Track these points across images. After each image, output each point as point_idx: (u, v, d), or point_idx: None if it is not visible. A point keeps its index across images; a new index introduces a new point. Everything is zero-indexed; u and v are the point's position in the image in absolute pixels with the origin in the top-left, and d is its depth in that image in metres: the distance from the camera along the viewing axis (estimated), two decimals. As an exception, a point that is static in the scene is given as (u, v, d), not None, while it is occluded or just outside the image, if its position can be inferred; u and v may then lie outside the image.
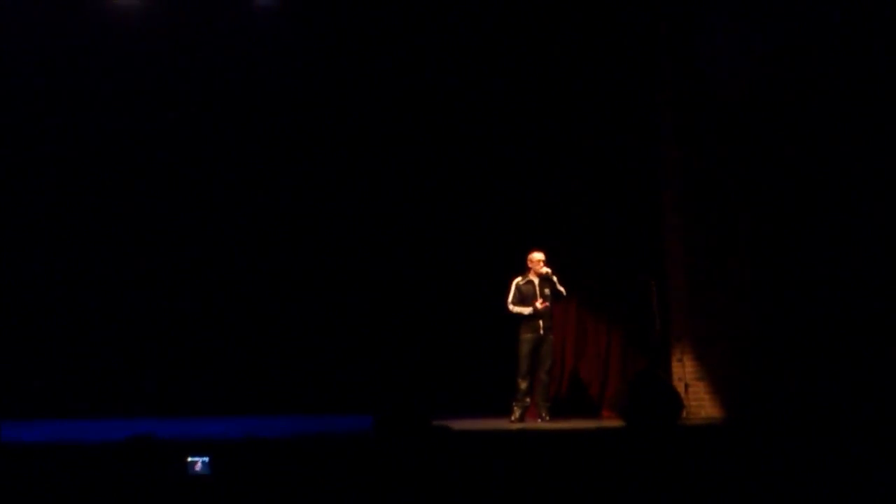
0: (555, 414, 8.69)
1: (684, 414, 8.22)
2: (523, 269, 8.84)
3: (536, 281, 8.74)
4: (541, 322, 8.65)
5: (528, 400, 8.70)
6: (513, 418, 8.60)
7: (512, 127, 9.92)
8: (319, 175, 10.44)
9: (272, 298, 10.31)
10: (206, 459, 5.33)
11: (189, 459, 5.34)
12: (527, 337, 8.68)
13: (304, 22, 9.98)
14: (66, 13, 9.69)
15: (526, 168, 9.88)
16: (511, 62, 9.81)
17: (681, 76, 8.95)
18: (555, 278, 8.72)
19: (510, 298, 8.77)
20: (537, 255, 8.81)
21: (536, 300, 8.64)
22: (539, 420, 8.56)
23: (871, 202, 7.99)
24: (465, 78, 10.00)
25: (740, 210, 8.68)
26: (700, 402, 8.64)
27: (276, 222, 10.40)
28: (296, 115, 10.36)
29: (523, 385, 8.67)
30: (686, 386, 8.60)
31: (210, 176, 10.43)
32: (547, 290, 8.69)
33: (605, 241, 9.37)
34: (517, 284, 8.81)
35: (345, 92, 10.28)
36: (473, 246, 10.10)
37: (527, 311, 8.66)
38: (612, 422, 8.35)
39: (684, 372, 8.68)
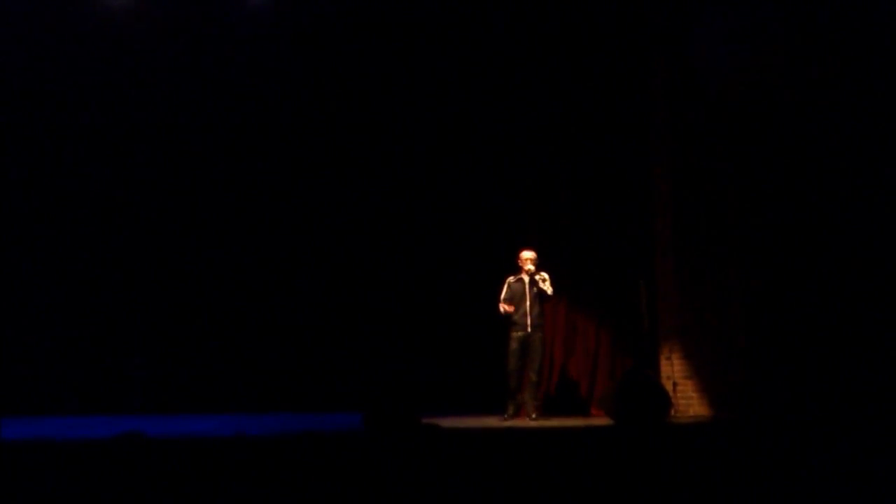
0: (544, 412, 8.70)
1: (672, 412, 8.26)
2: (514, 268, 8.85)
3: (526, 279, 8.75)
4: (528, 320, 8.66)
5: (519, 397, 8.73)
6: (506, 415, 8.64)
7: (502, 125, 9.93)
8: (311, 172, 10.45)
9: (263, 296, 10.32)
10: None
11: None
12: (515, 335, 8.70)
13: (296, 20, 9.98)
14: (62, 12, 9.69)
15: (517, 166, 9.88)
16: (501, 58, 9.80)
17: (673, 72, 8.94)
18: (541, 278, 8.69)
19: (502, 296, 8.80)
20: (525, 254, 8.83)
21: (526, 300, 8.65)
22: (528, 419, 8.56)
23: (863, 200, 8.02)
24: (457, 76, 10.01)
25: (730, 209, 8.70)
26: (688, 401, 8.67)
27: (267, 221, 10.41)
28: (291, 115, 10.37)
29: (513, 382, 8.71)
30: (674, 384, 8.63)
31: (201, 171, 10.43)
32: (535, 289, 8.70)
33: (595, 240, 9.38)
34: (509, 282, 8.83)
35: (339, 91, 10.29)
36: (464, 244, 10.12)
37: (505, 310, 8.69)
38: (600, 420, 8.36)
39: (673, 370, 8.71)
